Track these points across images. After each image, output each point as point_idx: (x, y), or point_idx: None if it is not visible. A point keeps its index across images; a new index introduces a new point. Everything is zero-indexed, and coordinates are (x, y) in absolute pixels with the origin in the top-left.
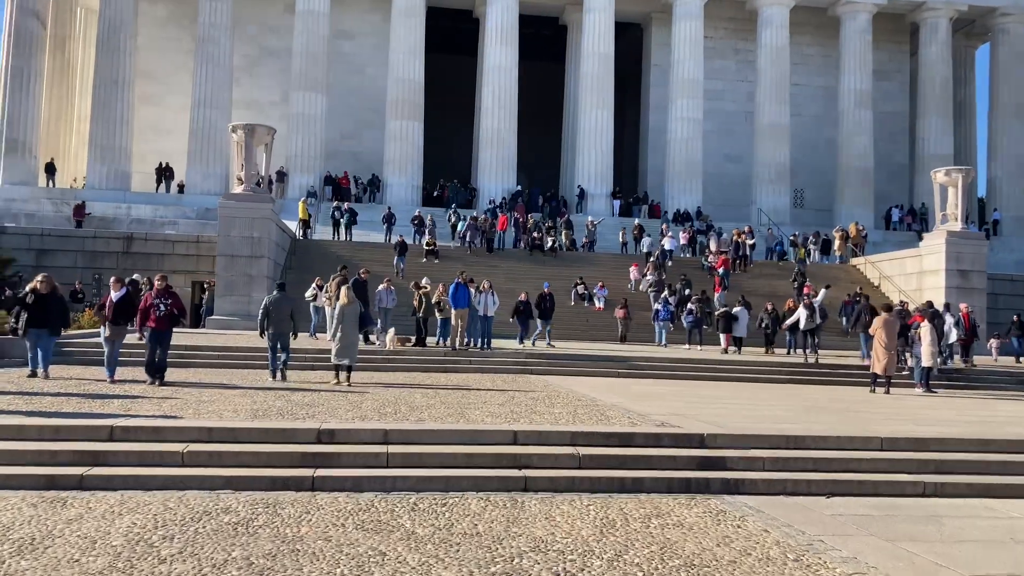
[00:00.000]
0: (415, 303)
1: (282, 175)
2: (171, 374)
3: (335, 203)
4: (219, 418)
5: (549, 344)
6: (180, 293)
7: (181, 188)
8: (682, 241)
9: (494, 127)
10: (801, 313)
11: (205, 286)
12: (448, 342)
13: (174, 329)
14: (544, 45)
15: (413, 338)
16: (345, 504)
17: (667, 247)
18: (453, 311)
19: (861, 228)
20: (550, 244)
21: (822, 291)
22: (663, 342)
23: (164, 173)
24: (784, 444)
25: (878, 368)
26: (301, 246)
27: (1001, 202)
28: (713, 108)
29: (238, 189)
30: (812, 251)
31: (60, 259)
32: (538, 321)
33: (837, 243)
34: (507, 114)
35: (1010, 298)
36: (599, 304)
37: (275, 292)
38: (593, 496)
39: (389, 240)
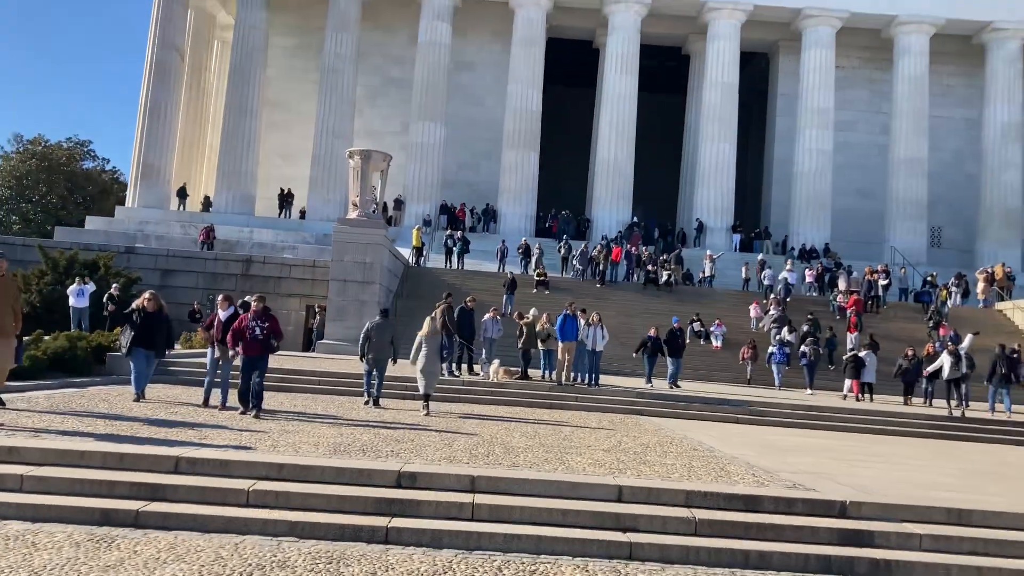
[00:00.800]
0: (518, 333)
1: (399, 203)
2: (268, 400)
3: (448, 231)
4: (294, 452)
5: (675, 385)
6: (292, 318)
7: (303, 214)
8: (808, 279)
9: (611, 157)
10: (945, 360)
11: (316, 310)
12: (554, 376)
13: (272, 354)
14: (666, 76)
15: (519, 370)
16: (420, 565)
17: (789, 280)
18: (560, 344)
19: (1008, 269)
20: (665, 278)
21: (968, 337)
22: (779, 385)
23: (286, 199)
24: (946, 518)
25: None
26: (413, 273)
27: None
28: (844, 140)
29: (353, 215)
30: (954, 293)
31: (182, 279)
32: (667, 360)
33: (981, 285)
34: (625, 143)
35: None
36: (716, 343)
37: (377, 317)
38: (711, 570)
39: (502, 270)
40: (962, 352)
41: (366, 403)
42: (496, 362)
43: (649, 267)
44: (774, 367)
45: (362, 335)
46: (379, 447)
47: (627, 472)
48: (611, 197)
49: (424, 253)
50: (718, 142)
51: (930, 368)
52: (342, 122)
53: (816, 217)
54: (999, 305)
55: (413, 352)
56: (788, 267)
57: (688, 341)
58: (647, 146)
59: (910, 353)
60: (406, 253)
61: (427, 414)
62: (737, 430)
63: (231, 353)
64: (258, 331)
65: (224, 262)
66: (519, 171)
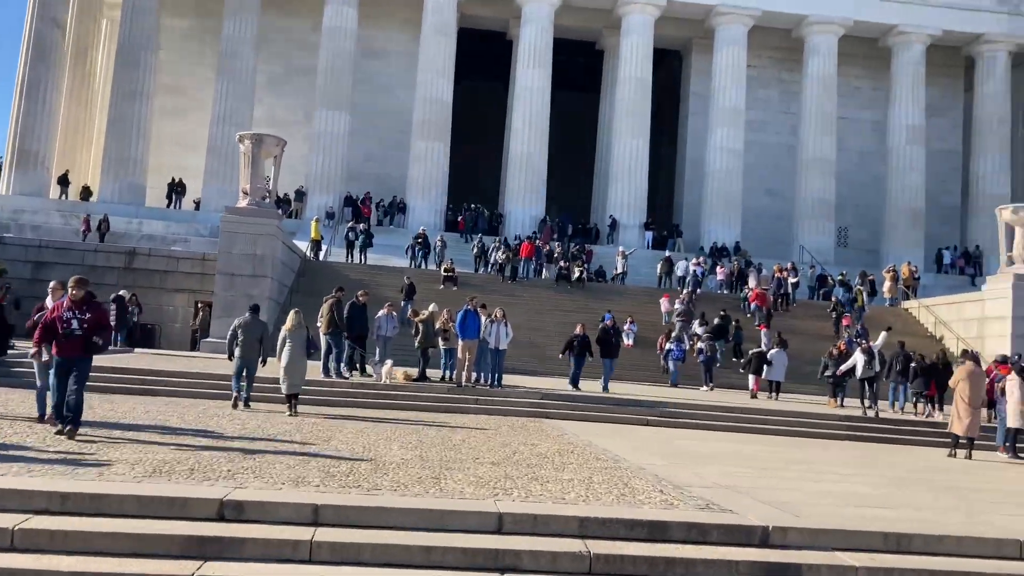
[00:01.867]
0: (414, 331)
1: (301, 195)
2: (119, 405)
3: (350, 224)
4: (97, 476)
5: (605, 389)
6: (180, 315)
7: (198, 205)
8: (720, 276)
9: (524, 151)
10: (858, 358)
11: (199, 306)
12: (453, 377)
13: (98, 354)
14: (581, 73)
15: (416, 371)
16: None
17: (697, 272)
18: (460, 342)
19: (914, 268)
20: (577, 275)
21: (882, 335)
22: (674, 382)
23: (176, 188)
24: (883, 544)
25: (958, 428)
26: (311, 268)
27: None
28: (754, 140)
29: (243, 203)
30: (860, 292)
31: (58, 273)
32: (602, 360)
33: (887, 284)
34: (538, 137)
35: None
36: (628, 340)
37: (247, 314)
38: None
39: (414, 266)
40: (876, 350)
41: (235, 407)
42: (389, 362)
43: (561, 263)
44: (670, 363)
45: (229, 333)
46: (216, 466)
47: (514, 492)
48: (524, 192)
49: (324, 247)
50: (631, 138)
51: (843, 367)
52: (241, 109)
53: (727, 216)
54: (905, 304)
55: (278, 349)
56: (695, 261)
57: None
58: (563, 144)
59: (835, 352)
60: (305, 247)
61: (292, 415)
62: (647, 434)
63: (33, 351)
64: (75, 325)
65: (105, 254)
66: (429, 163)
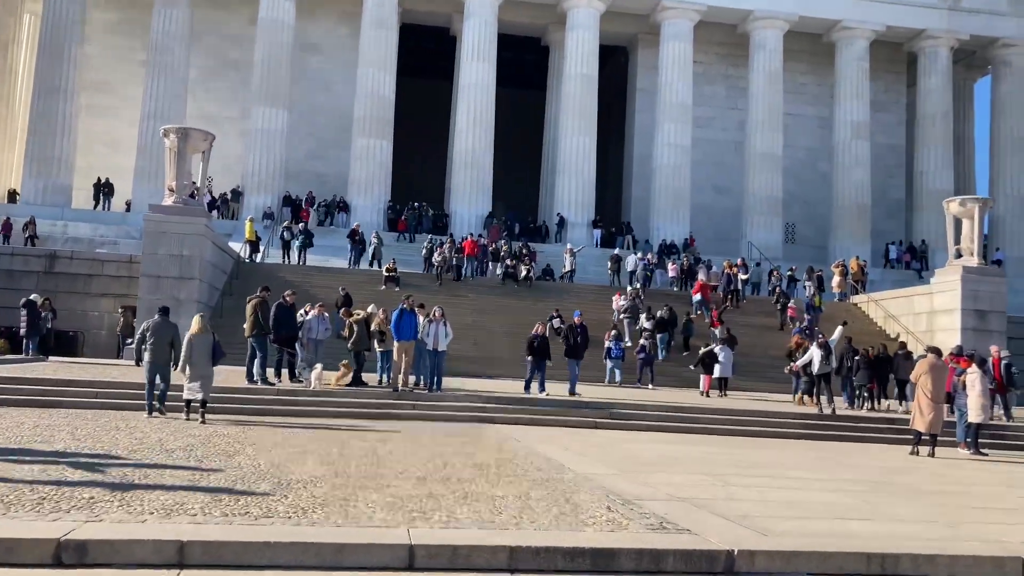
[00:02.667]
0: (345, 332)
1: (237, 195)
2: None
3: (286, 224)
4: None
5: (573, 393)
6: (105, 320)
7: (129, 207)
8: (671, 274)
9: (468, 147)
10: (815, 353)
11: (120, 310)
12: (390, 381)
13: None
14: (528, 70)
15: (350, 376)
16: None
17: (643, 267)
18: (395, 344)
19: (863, 262)
20: (524, 273)
21: (839, 329)
22: (615, 381)
23: (103, 189)
24: (866, 567)
25: (921, 425)
26: (246, 269)
27: (1004, 241)
28: (702, 136)
29: (168, 201)
30: (808, 287)
31: None
32: (566, 362)
33: (836, 279)
34: (483, 134)
35: (1021, 342)
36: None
37: (156, 316)
38: None
39: (351, 266)
40: (832, 345)
41: (150, 414)
42: (319, 367)
43: (508, 262)
44: (609, 362)
45: (137, 336)
46: (76, 494)
47: (435, 516)
48: (470, 190)
49: (261, 248)
50: (578, 135)
51: (800, 362)
52: (172, 106)
53: (675, 212)
54: (854, 298)
55: (183, 355)
56: (639, 256)
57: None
58: (510, 142)
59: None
60: (240, 248)
61: (202, 422)
62: (597, 438)
63: None
64: None
65: (23, 258)
66: (371, 160)
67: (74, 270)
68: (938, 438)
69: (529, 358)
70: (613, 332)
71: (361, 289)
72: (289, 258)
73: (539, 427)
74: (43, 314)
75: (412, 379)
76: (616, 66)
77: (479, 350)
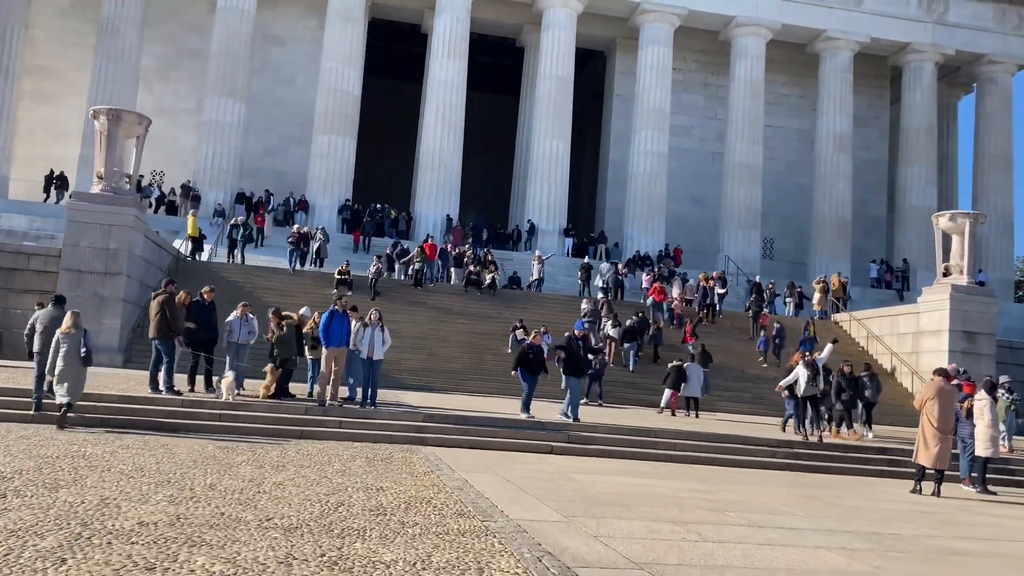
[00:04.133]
0: (268, 337)
1: (187, 190)
2: None
3: (233, 220)
4: None
5: (569, 415)
6: (28, 319)
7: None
8: (646, 284)
9: (436, 147)
10: (800, 373)
11: (37, 307)
12: (318, 394)
13: None
14: (502, 74)
15: (273, 386)
16: None
17: (604, 274)
18: (324, 351)
19: (845, 279)
20: (489, 280)
21: (828, 347)
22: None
23: (55, 182)
24: None
25: (925, 459)
26: (185, 268)
27: (987, 262)
28: (680, 146)
29: (96, 189)
30: (788, 304)
31: None
32: (563, 379)
33: (817, 296)
34: (452, 134)
35: (1010, 367)
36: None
37: (49, 306)
38: None
39: (292, 270)
40: (820, 364)
41: (36, 411)
42: (230, 375)
43: (471, 268)
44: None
45: (27, 328)
46: None
47: None
48: (436, 193)
49: (207, 246)
50: (551, 139)
51: (784, 382)
52: (123, 93)
53: (650, 222)
54: (835, 317)
55: (50, 354)
56: (609, 264)
57: (509, 351)
58: (483, 147)
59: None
60: (182, 246)
61: (60, 428)
62: (549, 466)
63: None
64: None
65: None
66: (332, 158)
67: None
68: (945, 473)
69: (515, 372)
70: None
71: (308, 293)
72: (234, 258)
73: (483, 452)
74: None
75: (343, 391)
76: (593, 72)
77: (433, 361)
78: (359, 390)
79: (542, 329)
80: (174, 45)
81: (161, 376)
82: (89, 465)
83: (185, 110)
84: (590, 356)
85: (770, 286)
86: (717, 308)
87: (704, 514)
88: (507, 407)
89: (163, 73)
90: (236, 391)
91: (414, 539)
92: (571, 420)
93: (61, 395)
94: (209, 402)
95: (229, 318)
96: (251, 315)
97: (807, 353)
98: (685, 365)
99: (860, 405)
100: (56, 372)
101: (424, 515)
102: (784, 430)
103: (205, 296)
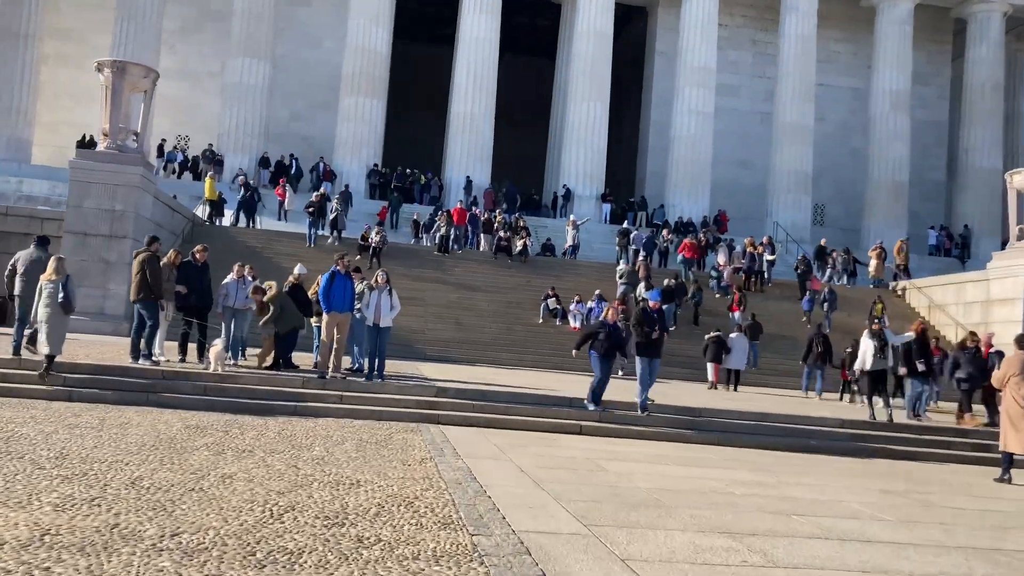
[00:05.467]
0: (265, 300)
1: (210, 156)
2: None
3: (244, 183)
4: None
5: (646, 403)
6: None
7: None
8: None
9: (467, 110)
10: (867, 344)
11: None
12: (319, 364)
13: None
14: (538, 36)
15: (270, 357)
16: None
17: (644, 239)
18: (324, 316)
19: (906, 242)
20: (520, 247)
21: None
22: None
23: (88, 147)
24: None
25: (1016, 445)
26: (202, 232)
27: None
28: (726, 106)
29: (102, 147)
30: (841, 272)
31: None
32: (636, 360)
33: (874, 264)
34: (484, 95)
35: None
36: (574, 323)
37: (31, 248)
38: None
39: (309, 243)
40: (890, 337)
41: (15, 354)
42: (218, 343)
43: (501, 234)
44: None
45: (8, 269)
46: None
47: None
48: (468, 157)
49: (223, 210)
50: (589, 101)
51: (860, 362)
52: (143, 56)
53: (694, 187)
54: (894, 284)
55: (35, 300)
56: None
57: (541, 321)
58: (517, 116)
59: (855, 342)
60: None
61: (45, 380)
62: (574, 450)
63: None
64: None
65: None
66: (360, 121)
67: (8, 227)
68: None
69: (576, 351)
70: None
71: (327, 261)
72: (253, 222)
73: (501, 432)
74: None
75: (347, 362)
76: (634, 34)
77: (459, 331)
78: (365, 361)
79: (576, 298)
80: (197, 5)
81: (144, 344)
82: (5, 449)
83: (209, 73)
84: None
85: (835, 254)
86: (766, 276)
87: (766, 519)
88: (535, 380)
89: (186, 35)
90: (230, 361)
91: (364, 568)
92: (641, 411)
93: (44, 348)
94: (195, 373)
95: (226, 280)
96: (250, 277)
97: (876, 321)
98: (731, 336)
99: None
100: (39, 321)
101: (395, 526)
102: (961, 419)
103: (197, 256)
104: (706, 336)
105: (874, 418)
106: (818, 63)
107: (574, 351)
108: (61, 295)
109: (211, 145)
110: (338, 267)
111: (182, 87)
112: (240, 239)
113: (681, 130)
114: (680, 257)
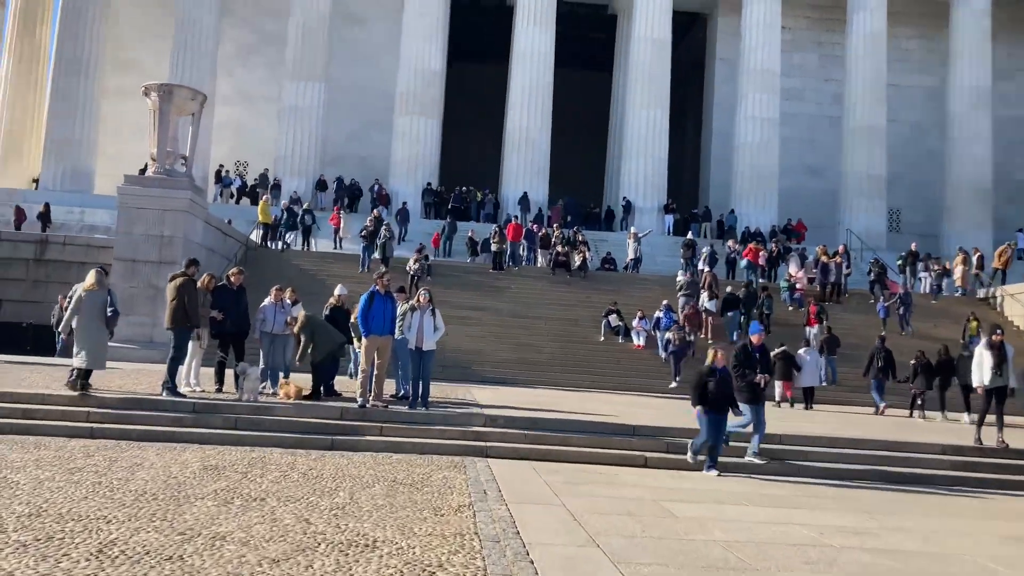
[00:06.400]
0: (295, 331)
1: (265, 179)
2: None
3: (298, 204)
4: None
5: (755, 454)
6: None
7: None
8: (760, 262)
9: (523, 124)
10: (984, 357)
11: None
12: (358, 393)
13: None
14: (593, 49)
15: (302, 389)
16: None
17: (714, 253)
18: (364, 340)
19: (1013, 245)
20: (579, 262)
21: None
22: (677, 376)
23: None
24: None
25: None
26: (257, 256)
27: None
28: (791, 111)
29: (150, 172)
30: (924, 279)
31: None
32: (743, 408)
33: (959, 271)
34: (539, 109)
35: None
36: (639, 340)
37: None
38: None
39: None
40: (1010, 351)
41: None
42: (254, 371)
43: (558, 249)
44: (661, 337)
45: (72, 302)
46: None
47: None
48: (524, 173)
49: (280, 234)
50: (648, 108)
51: (974, 378)
52: (201, 81)
53: (761, 196)
54: (983, 293)
55: (68, 312)
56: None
57: (603, 338)
58: (573, 129)
59: (921, 354)
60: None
61: (83, 393)
62: (635, 488)
63: None
64: None
65: (12, 244)
66: (415, 140)
67: (67, 257)
68: None
69: (698, 409)
70: (664, 303)
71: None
72: (308, 244)
73: (555, 465)
74: None
75: (400, 389)
76: (693, 42)
77: (516, 351)
78: (408, 387)
79: (639, 314)
80: (252, 30)
81: (170, 375)
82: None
83: (266, 97)
84: (669, 335)
85: (930, 262)
86: (843, 287)
87: None
88: (595, 404)
89: (243, 59)
90: (268, 390)
91: None
92: (758, 461)
93: (79, 361)
94: (227, 405)
95: (264, 303)
96: (289, 301)
97: (998, 332)
98: (800, 352)
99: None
100: (75, 333)
101: None
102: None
103: (232, 279)
104: (772, 353)
105: (980, 443)
106: (889, 62)
107: (696, 408)
108: (110, 309)
109: (266, 170)
110: (377, 287)
111: (240, 112)
112: (294, 262)
113: (745, 137)
114: (745, 262)
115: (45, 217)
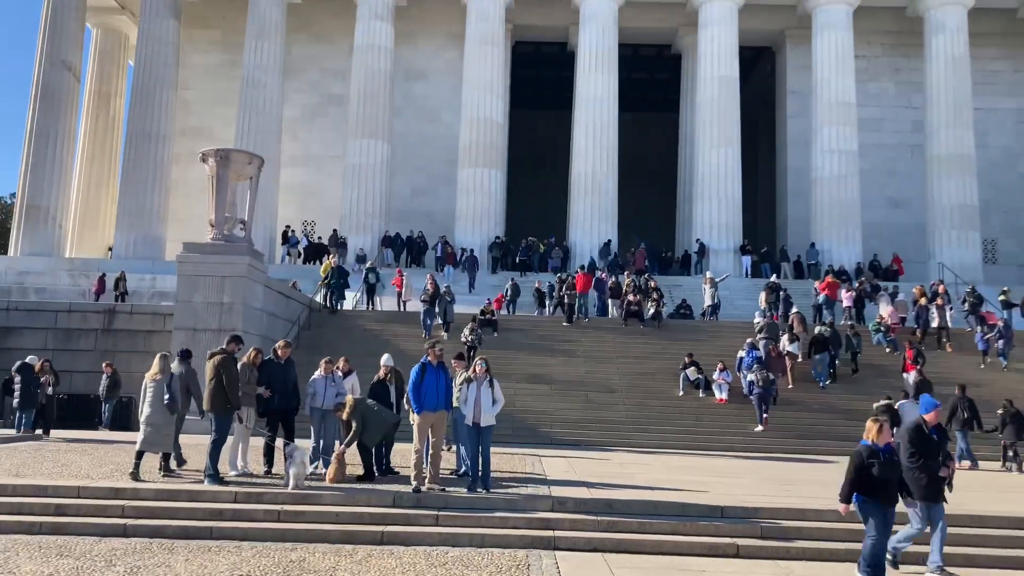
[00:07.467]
0: (342, 418)
1: (336, 239)
2: None
3: (367, 265)
4: None
5: (939, 569)
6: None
7: None
8: (846, 303)
9: (589, 170)
10: None
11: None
12: (412, 475)
13: None
14: (657, 90)
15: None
16: None
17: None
18: (416, 417)
19: None
20: (652, 311)
21: None
22: (762, 421)
23: None
24: None
25: None
26: (321, 319)
27: None
28: (869, 142)
29: (209, 238)
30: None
31: (27, 339)
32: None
33: None
34: (604, 154)
35: None
36: (721, 394)
37: (176, 362)
38: None
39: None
40: None
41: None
42: (299, 453)
43: (630, 298)
44: (745, 378)
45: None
46: None
47: None
48: (592, 218)
49: (354, 294)
50: (719, 147)
51: None
52: (266, 143)
53: (843, 231)
54: None
55: (139, 400)
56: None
57: (681, 393)
58: (640, 173)
59: (1009, 403)
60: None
61: (164, 476)
62: None
63: None
64: None
65: (81, 315)
66: (479, 192)
67: (133, 326)
68: None
69: (859, 499)
70: (748, 341)
71: (448, 342)
72: (372, 304)
73: (632, 557)
74: (43, 379)
75: (448, 459)
76: (761, 75)
77: (589, 410)
78: (466, 465)
79: (720, 366)
80: (317, 92)
81: (211, 460)
82: None
83: (331, 157)
84: (751, 376)
85: (1004, 294)
86: (947, 330)
87: None
88: (677, 471)
89: (308, 121)
90: (320, 470)
91: None
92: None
93: (143, 440)
94: (270, 495)
95: (314, 377)
96: (340, 372)
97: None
98: (899, 403)
99: None
100: (142, 419)
101: None
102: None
103: (279, 352)
104: (874, 405)
105: None
106: (973, 85)
107: (845, 506)
108: (167, 396)
109: (335, 230)
110: (429, 358)
111: (306, 173)
112: (358, 323)
113: (823, 171)
114: (823, 297)
115: (123, 286)
